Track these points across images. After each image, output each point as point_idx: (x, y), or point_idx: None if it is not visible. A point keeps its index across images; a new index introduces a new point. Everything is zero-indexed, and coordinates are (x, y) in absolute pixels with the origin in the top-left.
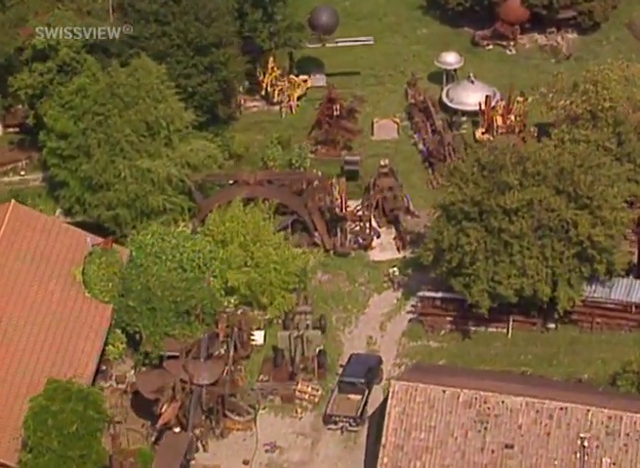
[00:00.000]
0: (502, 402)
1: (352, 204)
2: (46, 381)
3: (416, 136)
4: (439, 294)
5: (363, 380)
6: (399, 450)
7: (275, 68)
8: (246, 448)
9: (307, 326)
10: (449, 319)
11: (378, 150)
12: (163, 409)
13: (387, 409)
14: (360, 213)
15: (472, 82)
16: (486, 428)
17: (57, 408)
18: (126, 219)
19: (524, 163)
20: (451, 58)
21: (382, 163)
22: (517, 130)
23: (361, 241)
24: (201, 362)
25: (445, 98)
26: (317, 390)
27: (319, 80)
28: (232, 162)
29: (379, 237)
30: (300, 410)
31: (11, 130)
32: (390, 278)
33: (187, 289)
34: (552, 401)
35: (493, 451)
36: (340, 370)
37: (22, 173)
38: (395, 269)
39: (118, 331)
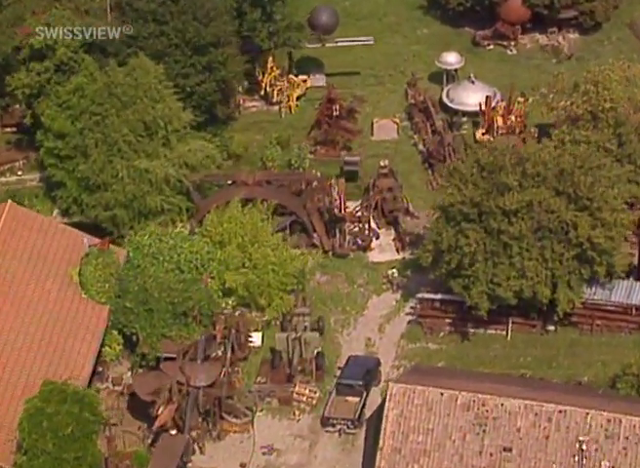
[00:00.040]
0: (501, 404)
1: (352, 205)
2: (41, 383)
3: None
4: (438, 296)
5: (361, 382)
6: (397, 453)
7: (274, 68)
8: (243, 451)
9: (305, 327)
10: (448, 321)
11: (377, 151)
12: (159, 412)
13: (385, 411)
14: (359, 213)
15: (473, 82)
16: (484, 431)
17: (52, 409)
18: (123, 220)
19: (524, 164)
20: (451, 59)
21: (382, 164)
22: (517, 130)
23: (360, 242)
24: (198, 364)
25: (445, 99)
26: (315, 392)
27: (319, 80)
28: (231, 162)
29: (378, 238)
30: (297, 413)
31: (8, 129)
32: (389, 279)
33: (185, 290)
34: (551, 404)
35: (491, 455)
36: (339, 373)
37: (20, 173)
38: (394, 271)
39: (115, 333)
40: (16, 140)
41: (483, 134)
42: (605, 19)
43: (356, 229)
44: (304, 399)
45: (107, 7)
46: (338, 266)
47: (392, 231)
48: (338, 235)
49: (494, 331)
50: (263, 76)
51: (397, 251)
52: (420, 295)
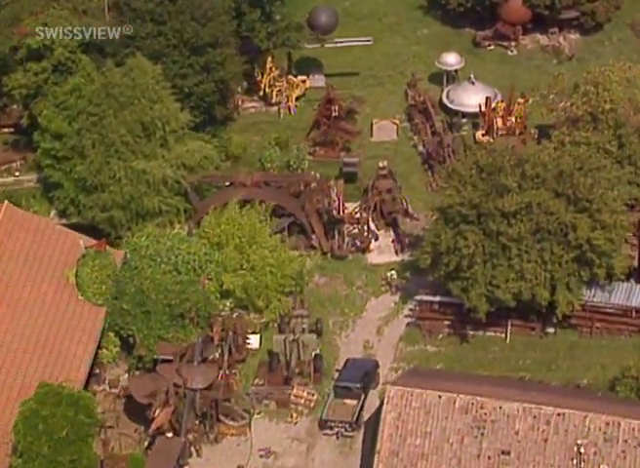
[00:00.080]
0: (499, 407)
1: (351, 206)
2: (37, 385)
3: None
4: (437, 298)
5: (359, 385)
6: (394, 457)
7: (273, 69)
8: (240, 454)
9: (303, 329)
10: (447, 323)
11: (377, 152)
12: (156, 414)
13: (382, 414)
14: (358, 215)
15: (473, 83)
16: (482, 434)
17: (47, 412)
18: (121, 221)
19: (523, 165)
20: (451, 59)
21: (381, 165)
22: (518, 132)
23: (359, 244)
24: (195, 366)
25: (445, 100)
26: (313, 395)
27: (318, 80)
28: (229, 163)
29: (377, 240)
30: (295, 415)
31: (5, 130)
32: (388, 281)
33: (182, 292)
34: (550, 406)
35: (489, 458)
36: (336, 375)
37: (17, 173)
38: (393, 272)
39: (111, 335)
40: (13, 141)
41: (483, 135)
42: (606, 20)
43: (355, 231)
44: (302, 401)
45: (105, 7)
46: (336, 268)
47: (391, 233)
48: (336, 237)
49: (493, 334)
50: (262, 77)
51: (396, 252)
52: (418, 298)
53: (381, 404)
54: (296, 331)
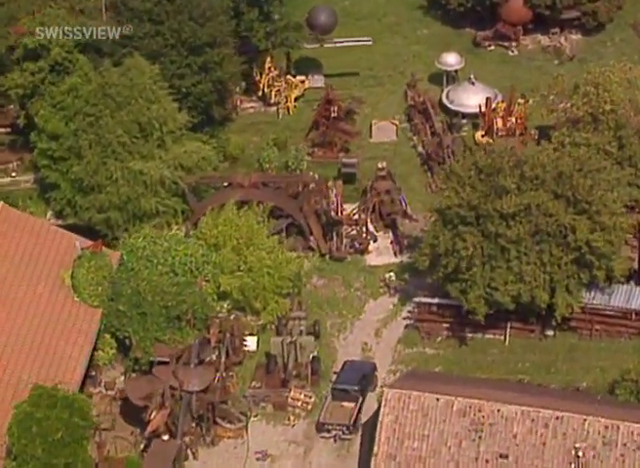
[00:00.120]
0: (497, 410)
1: (349, 207)
2: (31, 387)
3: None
4: (435, 300)
5: (357, 388)
6: (391, 460)
7: (272, 69)
8: (237, 457)
9: (301, 331)
10: (445, 325)
11: (376, 152)
12: (152, 417)
13: (380, 417)
14: (356, 216)
15: (473, 83)
16: (480, 437)
17: (41, 414)
18: (118, 222)
19: (522, 167)
20: (451, 59)
21: (380, 166)
22: (518, 132)
23: (357, 245)
24: (191, 368)
25: (445, 100)
26: (310, 397)
27: (317, 81)
28: (227, 164)
29: (375, 241)
30: (292, 418)
31: (2, 130)
32: (386, 283)
33: (178, 293)
34: (548, 410)
35: (487, 461)
36: (334, 378)
37: (14, 174)
38: (392, 274)
39: (108, 336)
40: (10, 141)
41: (482, 135)
42: (608, 20)
43: (353, 232)
44: (299, 404)
45: (102, 6)
46: (334, 269)
47: (390, 234)
48: (335, 238)
49: (492, 336)
50: (261, 77)
51: (395, 254)
52: (417, 300)
53: (379, 406)
54: (293, 333)
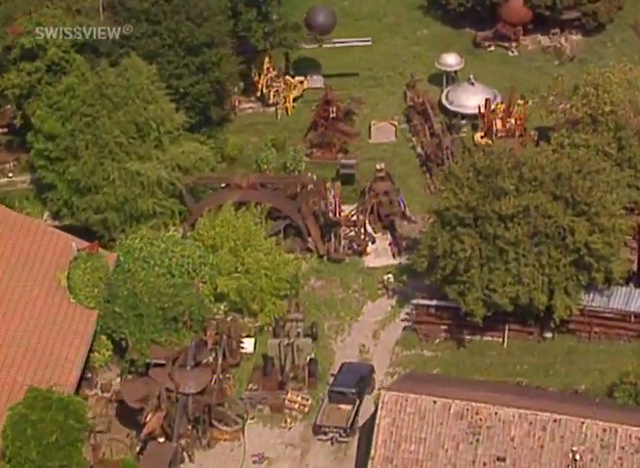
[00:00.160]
0: (495, 413)
1: (347, 208)
2: (26, 389)
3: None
4: (433, 302)
5: (354, 390)
6: (388, 463)
7: (271, 69)
8: (233, 459)
9: (298, 333)
10: (444, 327)
11: (375, 153)
12: (147, 419)
13: (377, 419)
14: (355, 217)
15: (472, 84)
16: (478, 440)
17: (36, 417)
18: (115, 223)
19: (520, 168)
20: (451, 60)
21: (378, 167)
22: (517, 134)
23: (356, 247)
24: (188, 370)
25: (444, 101)
26: (307, 400)
27: (316, 81)
28: (225, 165)
29: (374, 243)
30: (289, 420)
31: None
32: (385, 285)
33: (175, 295)
34: (546, 412)
35: (484, 464)
36: (331, 380)
37: (10, 174)
38: (390, 276)
39: (104, 338)
40: (6, 142)
41: (482, 137)
42: (608, 21)
43: (352, 233)
44: (296, 406)
45: (100, 6)
46: (332, 271)
47: (389, 235)
48: (333, 239)
49: (490, 338)
50: (259, 77)
51: (393, 255)
52: (415, 301)
53: (376, 409)
54: (290, 334)
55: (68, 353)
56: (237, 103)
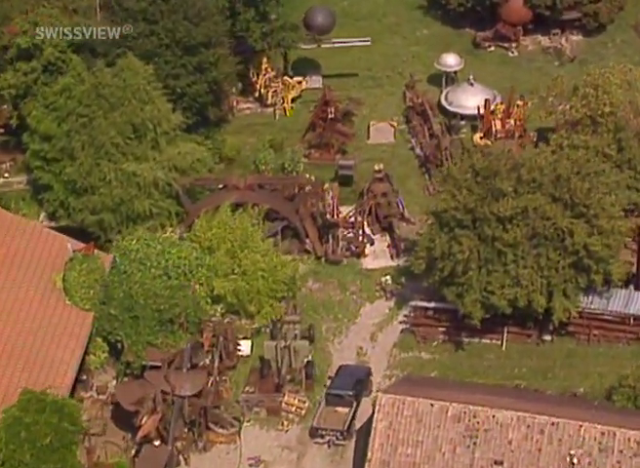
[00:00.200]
0: (493, 416)
1: (345, 210)
2: (20, 391)
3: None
4: (431, 304)
5: (351, 392)
6: (385, 466)
7: (269, 69)
8: (229, 463)
9: (295, 336)
10: (442, 330)
11: (373, 154)
12: (143, 421)
13: (373, 422)
14: (353, 219)
15: (472, 84)
16: (475, 443)
17: (30, 419)
18: (111, 224)
19: (519, 169)
20: (451, 60)
21: (377, 168)
22: (517, 135)
23: (353, 248)
24: (183, 372)
25: (444, 102)
26: (304, 402)
27: (315, 82)
28: (223, 166)
29: (372, 244)
30: (286, 423)
31: None
32: (383, 287)
33: (171, 296)
34: (544, 416)
35: None
36: (328, 382)
37: (6, 175)
38: (388, 278)
39: (99, 340)
40: (2, 142)
41: (481, 137)
42: (609, 21)
43: (350, 235)
44: (293, 409)
45: (96, 6)
46: (330, 273)
47: (387, 237)
48: (331, 241)
49: (488, 341)
50: (258, 77)
51: (392, 257)
52: (413, 303)
53: (373, 412)
54: (287, 337)
55: (63, 355)
56: (235, 104)
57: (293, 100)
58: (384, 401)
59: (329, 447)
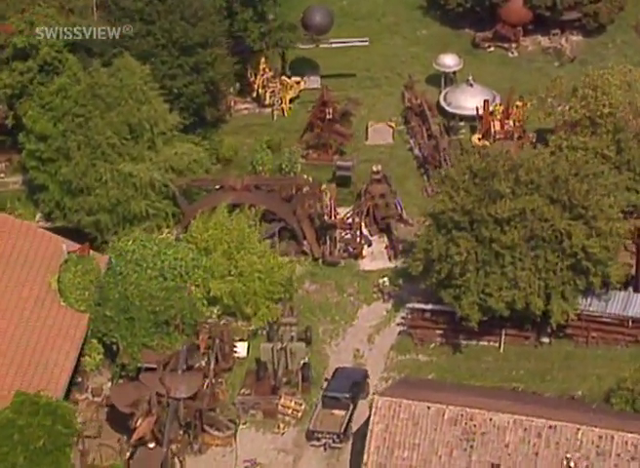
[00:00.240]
0: (490, 419)
1: (344, 211)
2: (14, 394)
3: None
4: (429, 306)
5: (348, 395)
6: None
7: (267, 70)
8: (225, 465)
9: (292, 338)
10: (439, 332)
11: (372, 155)
12: (138, 424)
13: (370, 425)
14: (350, 220)
15: (471, 85)
16: (472, 446)
17: (23, 422)
18: (107, 225)
19: (517, 171)
20: (449, 61)
21: (375, 169)
22: (516, 136)
23: (351, 250)
24: (179, 374)
25: (443, 102)
26: (300, 405)
27: (314, 82)
28: (220, 166)
29: (370, 245)
30: (282, 426)
31: None
32: (380, 288)
33: (167, 298)
34: (541, 419)
35: None
36: (325, 385)
37: (2, 175)
38: (385, 279)
39: (94, 342)
40: None
41: (479, 138)
42: (609, 22)
43: (347, 236)
44: (289, 411)
45: (93, 6)
46: (327, 274)
47: (385, 238)
48: (328, 242)
49: (486, 343)
50: (255, 78)
51: (389, 259)
52: (410, 305)
53: (370, 414)
54: (284, 339)
55: (58, 357)
56: (233, 104)
57: (291, 101)
58: (381, 403)
59: (325, 449)
